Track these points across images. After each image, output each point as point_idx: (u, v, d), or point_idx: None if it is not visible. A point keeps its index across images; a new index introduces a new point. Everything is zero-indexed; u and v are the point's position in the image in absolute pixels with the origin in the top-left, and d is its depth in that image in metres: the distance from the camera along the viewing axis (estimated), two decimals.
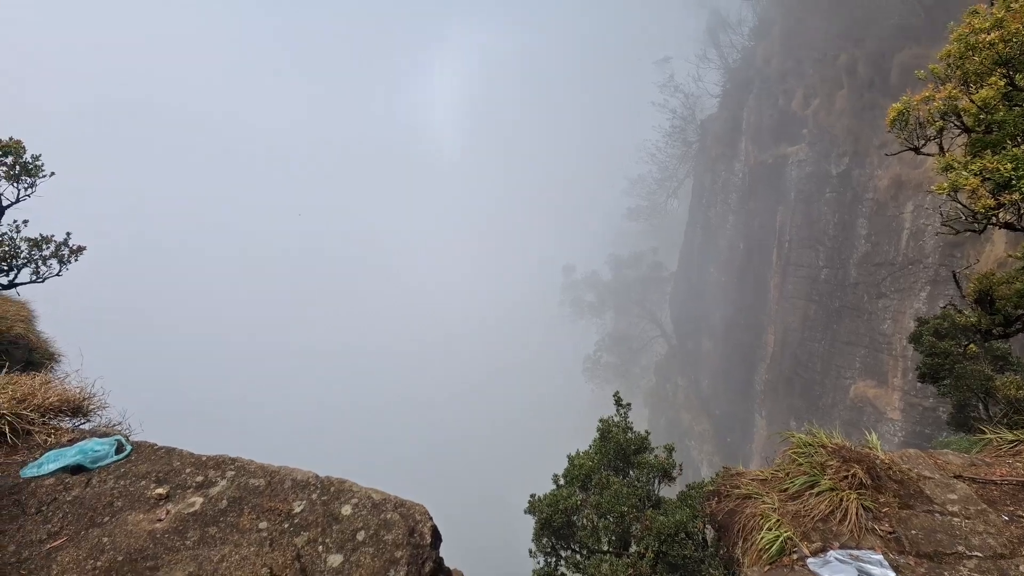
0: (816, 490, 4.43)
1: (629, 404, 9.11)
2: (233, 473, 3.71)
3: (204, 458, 3.92)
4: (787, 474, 4.78)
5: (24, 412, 4.22)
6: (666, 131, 64.82)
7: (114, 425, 4.66)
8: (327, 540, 3.28)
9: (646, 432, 8.76)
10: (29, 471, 3.83)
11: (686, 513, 6.87)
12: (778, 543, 3.98)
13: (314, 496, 3.53)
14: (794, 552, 3.90)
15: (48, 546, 3.31)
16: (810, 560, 3.77)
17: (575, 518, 7.78)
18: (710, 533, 6.32)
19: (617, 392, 9.39)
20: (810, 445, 4.97)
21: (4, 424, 4.07)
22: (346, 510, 3.44)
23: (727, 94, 49.80)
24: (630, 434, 8.51)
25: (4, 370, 4.69)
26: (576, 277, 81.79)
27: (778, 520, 4.23)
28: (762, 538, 4.08)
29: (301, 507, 3.44)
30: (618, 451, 8.43)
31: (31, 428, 4.21)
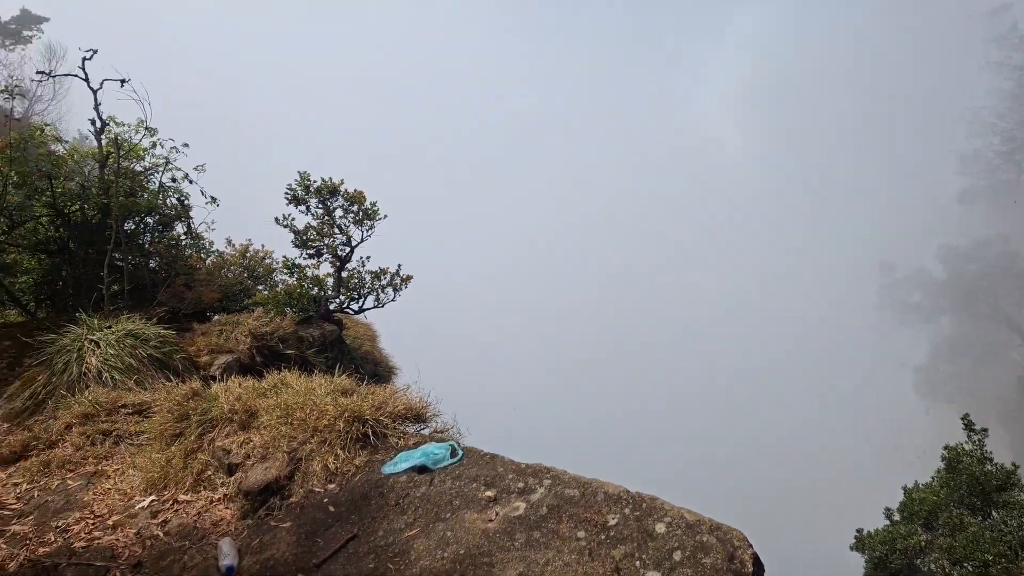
0: None
1: (985, 430, 7.48)
2: (549, 482, 3.98)
3: (523, 465, 4.27)
4: None
5: (381, 418, 5.09)
6: (1011, 93, 52.87)
7: (446, 431, 5.36)
8: (643, 556, 3.30)
9: (1013, 465, 7.10)
10: (387, 468, 4.60)
11: None
12: None
13: (627, 511, 3.58)
14: None
15: (406, 535, 3.90)
16: None
17: (918, 562, 6.66)
18: None
19: (967, 415, 7.80)
20: None
21: (368, 428, 4.95)
22: (660, 528, 3.43)
23: None
24: (989, 466, 7.00)
25: (365, 382, 5.72)
26: (898, 276, 70.48)
27: None
28: None
29: (615, 520, 3.52)
30: (972, 486, 6.99)
31: (386, 432, 5.05)
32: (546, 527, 3.60)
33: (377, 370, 12.25)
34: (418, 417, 5.39)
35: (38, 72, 14.09)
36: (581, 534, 3.49)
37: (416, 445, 4.85)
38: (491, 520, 3.78)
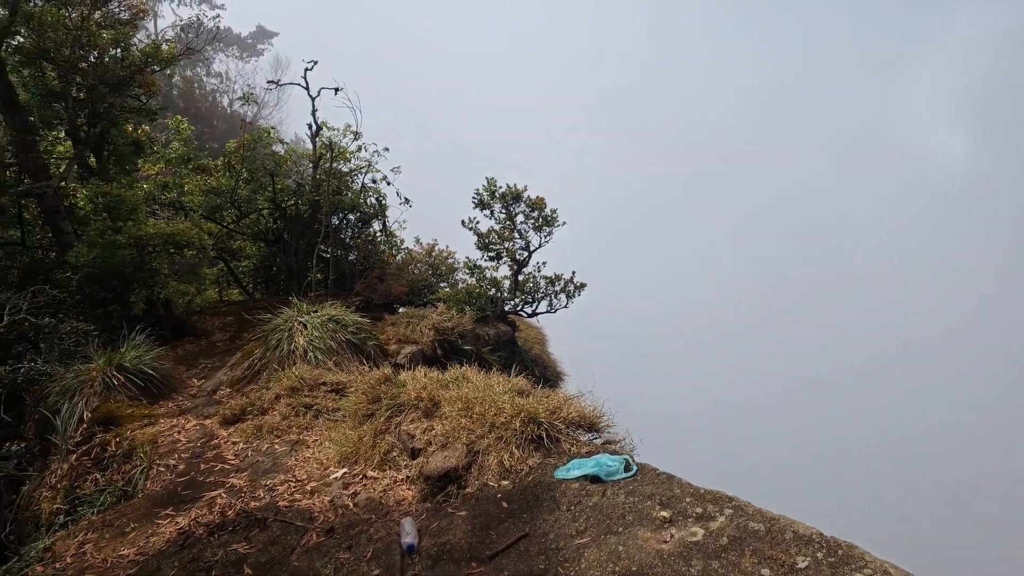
0: None
1: None
2: (731, 512, 3.80)
3: (702, 491, 4.12)
4: None
5: (555, 422, 5.19)
6: None
7: (618, 443, 5.33)
8: None
9: None
10: (560, 473, 4.67)
11: None
12: None
13: (819, 555, 3.31)
14: None
15: (577, 542, 3.94)
16: None
17: None
18: None
19: None
20: None
21: (542, 431, 5.07)
22: None
23: None
24: None
25: (540, 385, 5.87)
26: None
27: None
28: None
29: (805, 563, 3.27)
30: None
31: (559, 437, 5.14)
32: (726, 558, 3.44)
33: (546, 374, 12.52)
34: (591, 426, 5.41)
35: (268, 82, 16.26)
36: (765, 571, 3.28)
37: (589, 454, 4.88)
38: (666, 541, 3.69)
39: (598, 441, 5.29)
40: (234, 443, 6.81)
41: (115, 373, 7.96)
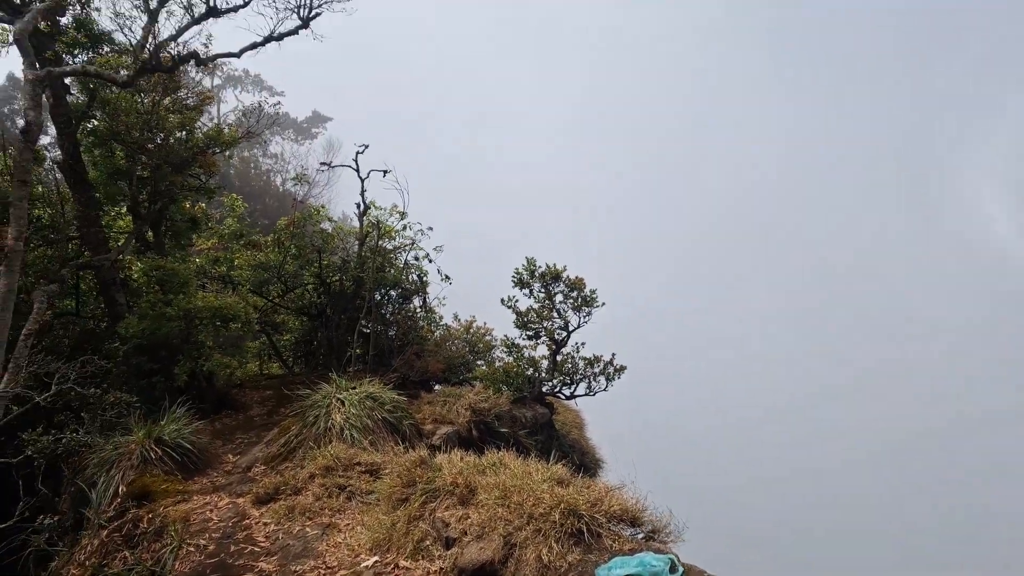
0: None
1: None
2: None
3: None
4: None
5: (596, 515, 4.96)
6: None
7: (661, 536, 5.06)
8: None
9: None
10: (601, 572, 4.42)
11: None
12: None
13: None
14: None
15: None
16: None
17: None
18: None
19: None
20: None
21: (583, 524, 4.85)
22: None
23: None
24: None
25: (579, 473, 5.67)
26: None
27: None
28: None
29: None
30: None
31: (600, 531, 4.90)
32: None
33: (584, 460, 12.15)
34: (634, 520, 5.16)
35: (320, 163, 17.05)
36: None
37: (632, 551, 4.63)
38: None
39: (640, 537, 5.02)
40: (265, 524, 6.70)
41: (153, 446, 8.02)
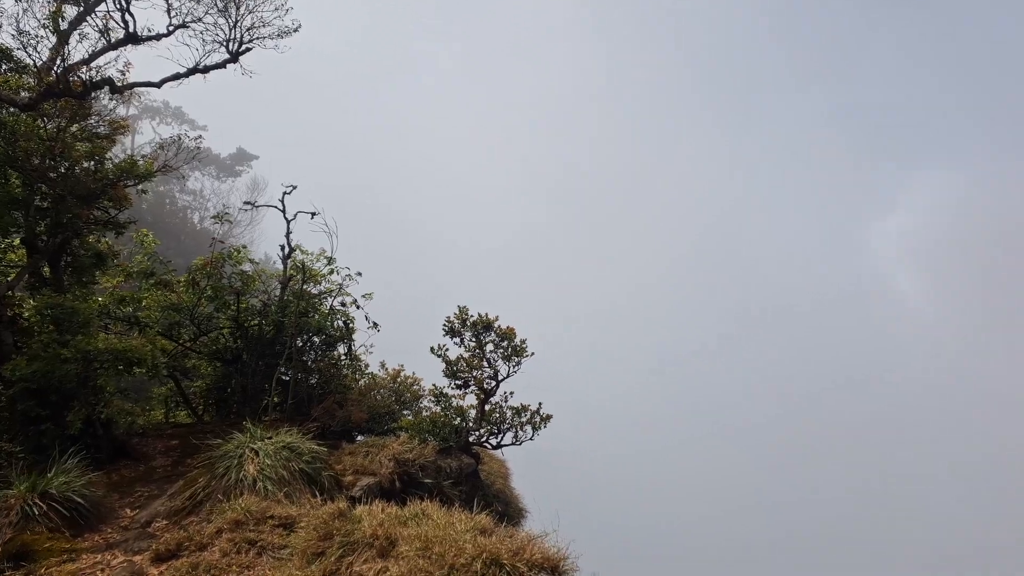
0: None
1: None
2: None
3: None
4: None
5: (518, 564, 5.02)
6: None
7: None
8: None
9: None
10: None
11: None
12: None
13: None
14: None
15: None
16: None
17: None
18: None
19: None
20: None
21: (504, 574, 4.89)
22: None
23: None
24: None
25: (503, 523, 5.72)
26: None
27: None
28: None
29: None
30: None
31: None
32: None
33: (508, 510, 12.08)
34: (554, 568, 5.24)
35: (244, 202, 16.78)
36: None
37: None
38: None
39: None
40: None
41: (37, 501, 7.53)
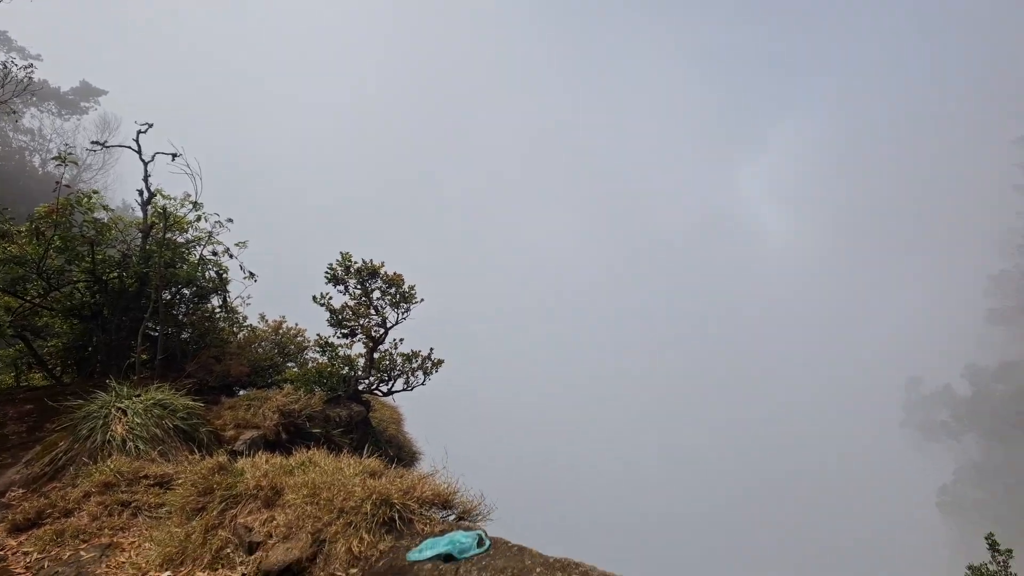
0: None
1: (1010, 551, 7.40)
2: None
3: (552, 559, 4.28)
4: None
5: (408, 503, 5.16)
6: None
7: (471, 510, 5.39)
8: None
9: None
10: (412, 555, 4.63)
11: None
12: None
13: None
14: None
15: None
16: None
17: None
18: None
19: (991, 534, 7.74)
20: None
21: (395, 512, 5.02)
22: None
23: None
24: None
25: (395, 466, 5.82)
26: (924, 392, 70.53)
27: None
28: None
29: None
30: None
31: (412, 517, 5.11)
32: None
33: (401, 454, 12.26)
34: (445, 503, 5.44)
35: (92, 142, 15.28)
36: None
37: (443, 532, 4.89)
38: None
39: (452, 518, 5.31)
40: (26, 553, 6.01)
41: None
